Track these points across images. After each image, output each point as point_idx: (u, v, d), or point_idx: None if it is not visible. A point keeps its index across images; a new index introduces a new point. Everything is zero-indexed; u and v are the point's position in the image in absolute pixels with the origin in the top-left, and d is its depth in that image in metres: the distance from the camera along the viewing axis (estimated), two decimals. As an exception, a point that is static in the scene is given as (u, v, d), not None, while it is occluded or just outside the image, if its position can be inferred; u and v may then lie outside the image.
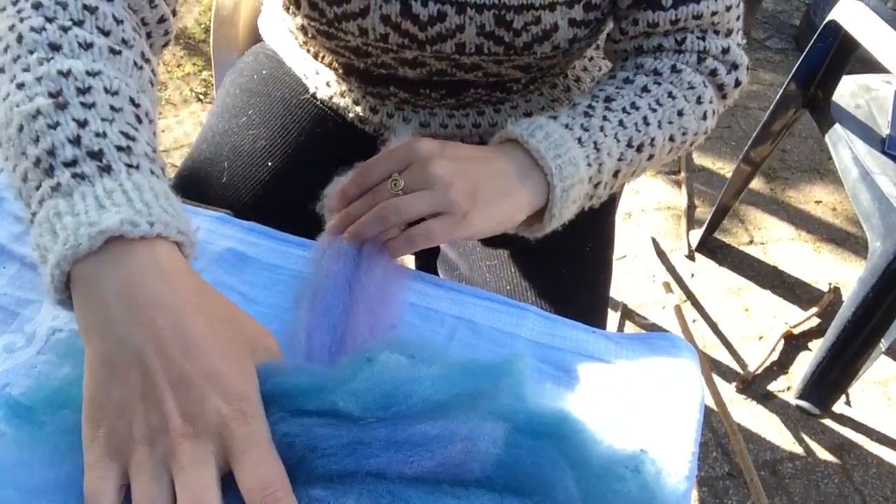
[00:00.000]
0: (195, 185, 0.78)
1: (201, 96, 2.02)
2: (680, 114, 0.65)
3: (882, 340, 1.36)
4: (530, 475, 0.44)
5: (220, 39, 0.99)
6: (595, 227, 0.81)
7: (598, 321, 0.76)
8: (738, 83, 0.70)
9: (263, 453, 0.40)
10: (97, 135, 0.42)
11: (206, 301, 0.43)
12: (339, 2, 0.65)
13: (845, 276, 1.82)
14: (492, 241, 0.76)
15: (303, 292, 0.57)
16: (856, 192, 1.34)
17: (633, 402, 0.55)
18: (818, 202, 2.02)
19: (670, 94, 0.65)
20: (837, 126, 1.41)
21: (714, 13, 0.66)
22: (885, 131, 1.38)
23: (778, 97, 1.55)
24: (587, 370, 0.58)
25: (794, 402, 1.56)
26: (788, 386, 1.60)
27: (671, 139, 0.66)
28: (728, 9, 0.67)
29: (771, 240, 1.91)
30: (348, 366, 0.46)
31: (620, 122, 0.62)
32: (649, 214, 1.94)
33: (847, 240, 1.93)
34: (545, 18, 0.64)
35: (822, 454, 1.49)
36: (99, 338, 0.40)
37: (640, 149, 0.63)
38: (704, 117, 0.68)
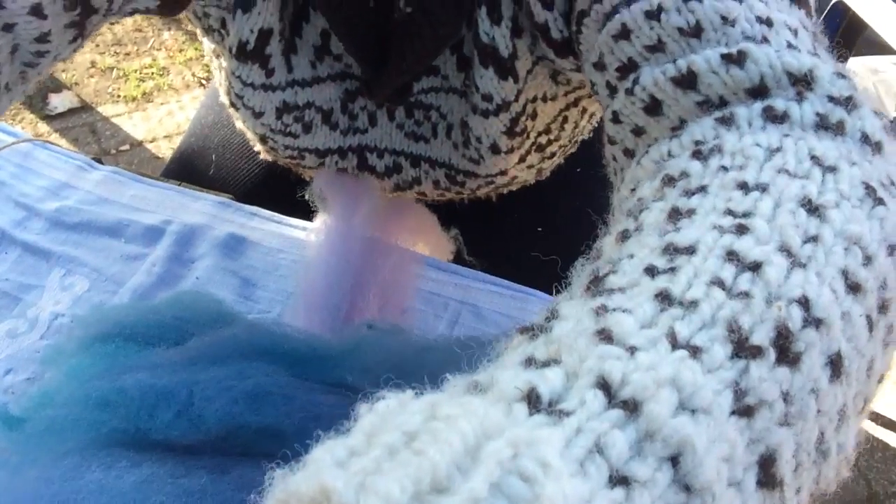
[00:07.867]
0: (181, 177, 0.77)
1: (204, 81, 2.01)
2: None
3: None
4: None
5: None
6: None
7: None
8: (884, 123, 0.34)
9: None
10: None
11: None
12: (294, 159, 0.65)
13: (851, 260, 1.82)
14: (495, 237, 0.76)
15: (304, 271, 0.57)
16: (862, 175, 1.33)
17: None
18: (824, 186, 2.01)
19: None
20: (844, 109, 1.40)
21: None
22: (892, 114, 1.37)
23: (784, 80, 1.54)
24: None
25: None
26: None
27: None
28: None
29: (776, 224, 1.90)
30: (349, 334, 0.45)
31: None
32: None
33: (853, 224, 1.92)
34: (497, 179, 0.63)
35: (827, 438, 1.49)
36: None
37: None
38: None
